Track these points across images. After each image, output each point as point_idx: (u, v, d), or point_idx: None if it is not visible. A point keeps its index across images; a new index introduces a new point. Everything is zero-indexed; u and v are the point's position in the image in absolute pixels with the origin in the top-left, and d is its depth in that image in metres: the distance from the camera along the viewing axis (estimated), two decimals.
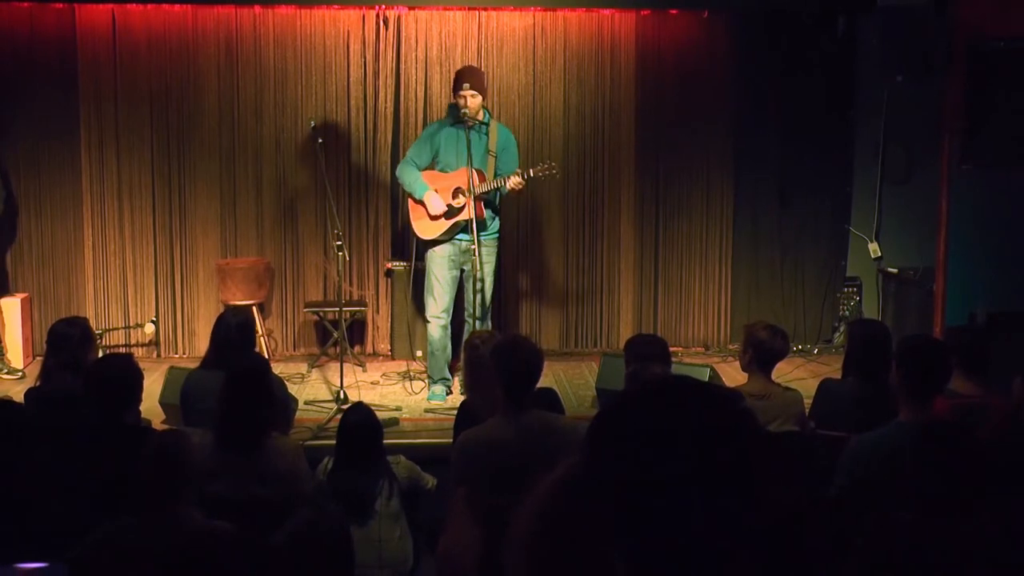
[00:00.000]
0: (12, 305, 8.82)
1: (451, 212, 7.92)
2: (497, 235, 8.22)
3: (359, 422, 5.32)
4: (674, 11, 9.65)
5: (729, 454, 1.64)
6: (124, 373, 5.18)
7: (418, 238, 8.27)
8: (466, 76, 7.95)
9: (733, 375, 7.85)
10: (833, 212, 9.89)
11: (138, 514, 3.74)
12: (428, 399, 8.16)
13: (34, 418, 5.33)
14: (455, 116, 7.92)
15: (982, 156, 8.16)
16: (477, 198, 7.77)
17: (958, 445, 3.74)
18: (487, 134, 8.01)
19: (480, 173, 7.84)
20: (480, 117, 7.98)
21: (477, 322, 7.79)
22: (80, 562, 3.54)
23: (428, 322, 8.21)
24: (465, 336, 7.71)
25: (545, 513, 2.50)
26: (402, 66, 9.56)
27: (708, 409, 1.69)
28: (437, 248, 8.09)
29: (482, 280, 7.79)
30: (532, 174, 7.81)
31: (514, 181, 7.75)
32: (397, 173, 8.34)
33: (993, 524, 3.54)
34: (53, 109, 9.14)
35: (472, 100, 7.81)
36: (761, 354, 5.62)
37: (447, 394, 8.10)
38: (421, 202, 7.97)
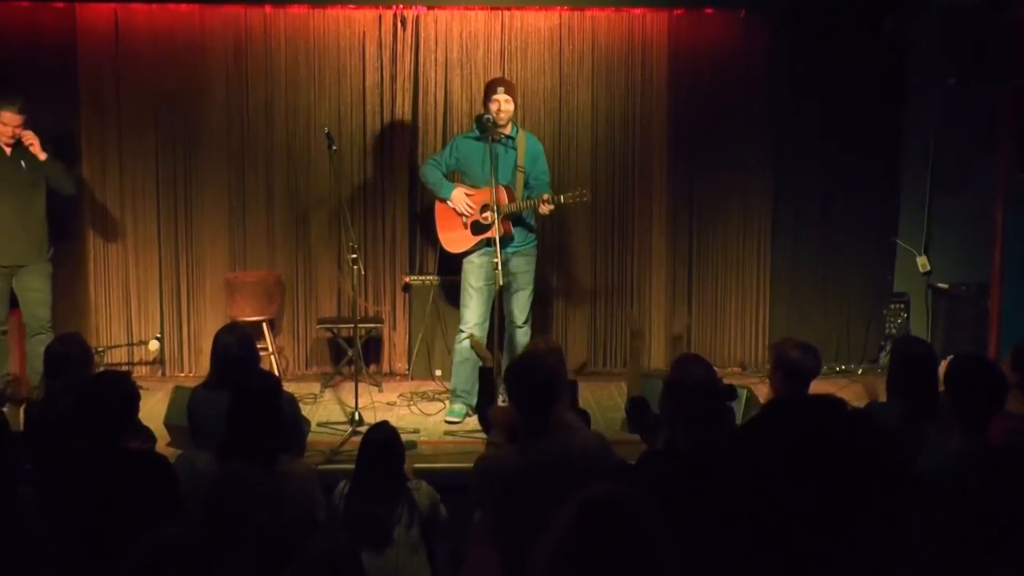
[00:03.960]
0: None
1: (479, 228, 8.19)
2: (535, 244, 8.45)
3: (382, 441, 5.32)
4: (709, 10, 9.68)
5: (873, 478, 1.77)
6: (115, 392, 5.18)
7: (444, 251, 8.60)
8: (500, 81, 8.27)
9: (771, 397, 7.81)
10: (879, 223, 9.88)
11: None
12: (447, 416, 8.27)
13: (29, 439, 5.37)
14: (481, 130, 8.08)
15: None
16: (505, 216, 8.00)
17: (1012, 471, 3.71)
18: (514, 148, 8.24)
19: (508, 190, 8.11)
20: (508, 130, 8.19)
21: (519, 332, 8.24)
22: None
23: (459, 332, 8.35)
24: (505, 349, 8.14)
25: (571, 535, 2.50)
26: (420, 69, 9.61)
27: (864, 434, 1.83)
28: (473, 257, 8.31)
29: (517, 292, 8.20)
30: (563, 200, 8.05)
31: (545, 208, 7.99)
32: (421, 173, 8.61)
33: None
34: (52, 113, 9.11)
35: (506, 105, 8.08)
36: (794, 373, 5.58)
37: (465, 415, 8.12)
38: (447, 201, 8.27)
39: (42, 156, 8.31)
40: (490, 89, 8.21)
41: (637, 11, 9.66)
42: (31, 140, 8.27)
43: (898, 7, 8.97)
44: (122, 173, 9.59)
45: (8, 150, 8.29)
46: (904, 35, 9.36)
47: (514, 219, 8.19)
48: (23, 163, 8.30)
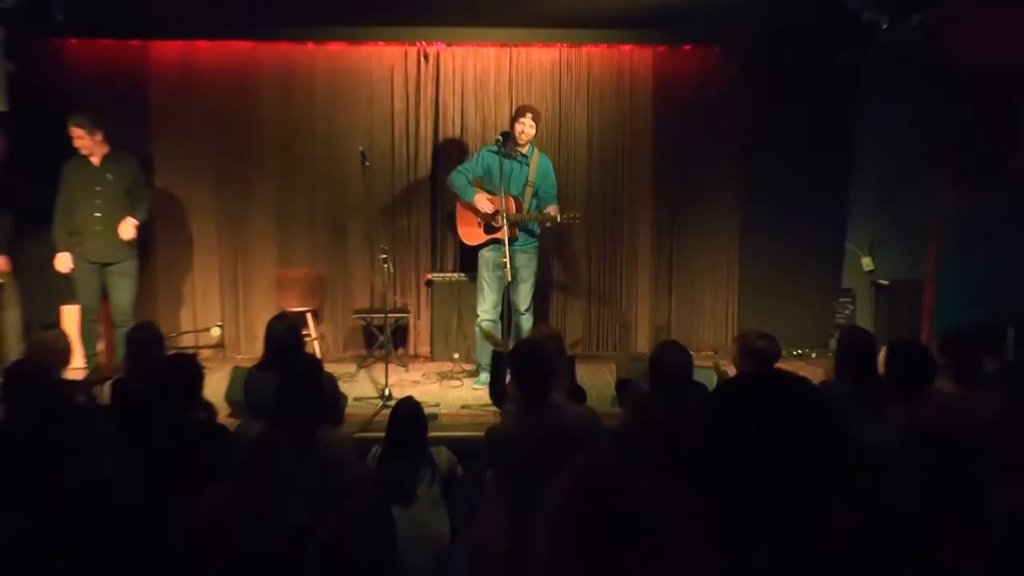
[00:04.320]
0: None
1: (490, 229, 8.34)
2: (536, 244, 8.48)
3: (408, 414, 5.35)
4: (687, 46, 9.67)
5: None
6: (183, 371, 5.21)
7: (462, 252, 8.98)
8: (529, 108, 8.34)
9: None
10: (831, 229, 9.85)
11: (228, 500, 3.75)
12: (474, 383, 8.48)
13: (114, 411, 5.41)
14: (500, 147, 8.10)
15: (969, 179, 8.12)
16: (512, 223, 8.08)
17: (942, 443, 3.74)
18: (527, 165, 8.33)
19: (517, 201, 8.25)
20: (524, 150, 8.30)
21: (522, 317, 8.35)
22: (186, 532, 3.53)
23: (477, 317, 8.49)
24: (512, 331, 8.26)
25: (573, 497, 2.54)
26: (441, 97, 9.62)
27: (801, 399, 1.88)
28: (485, 252, 8.43)
29: (520, 284, 8.28)
30: (560, 219, 8.21)
31: (553, 212, 8.21)
32: (449, 179, 8.58)
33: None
34: (127, 135, 9.07)
35: (529, 129, 8.21)
36: (760, 361, 5.58)
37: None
38: (471, 205, 8.33)
39: (132, 233, 8.35)
40: (519, 112, 8.29)
41: (626, 47, 9.67)
42: (129, 235, 8.31)
43: (849, 42, 8.95)
44: (188, 186, 9.63)
45: (95, 161, 8.29)
46: (855, 66, 9.34)
47: (519, 223, 8.26)
48: (109, 175, 8.30)
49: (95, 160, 8.27)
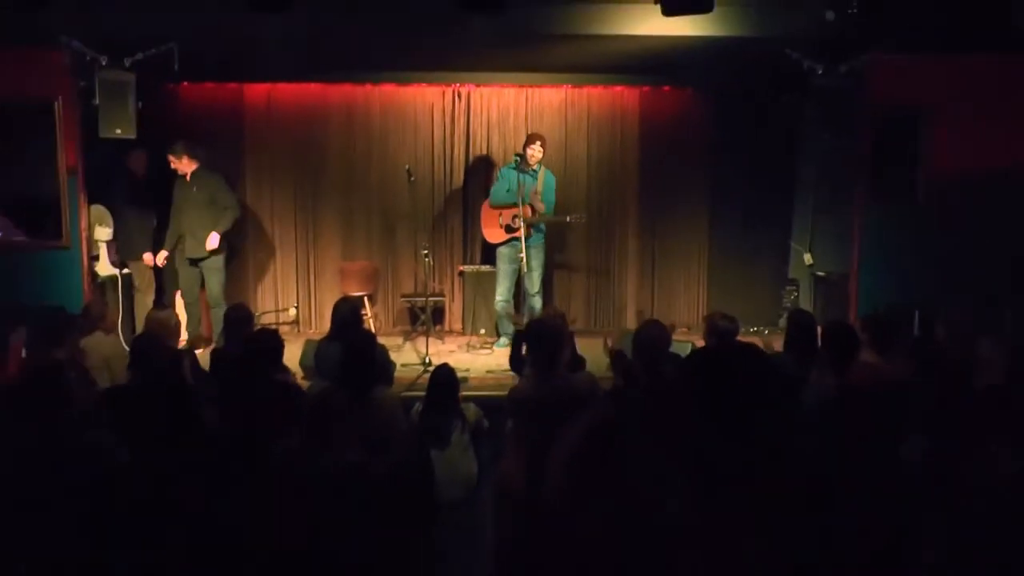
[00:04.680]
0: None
1: (509, 229, 8.34)
2: (543, 240, 8.51)
3: (444, 377, 5.37)
4: (667, 88, 9.64)
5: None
6: (268, 343, 5.24)
7: (486, 245, 8.91)
8: (538, 136, 8.39)
9: None
10: (780, 231, 9.81)
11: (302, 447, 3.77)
12: (495, 346, 8.59)
13: (214, 374, 5.46)
14: (517, 163, 8.14)
15: (884, 194, 8.12)
16: (527, 224, 8.12)
17: (864, 401, 3.76)
18: (536, 179, 8.33)
19: (531, 207, 8.23)
20: (534, 167, 8.32)
21: (533, 299, 8.34)
22: (267, 475, 3.55)
23: (496, 298, 8.52)
24: (526, 310, 8.37)
25: (583, 444, 2.55)
26: (470, 128, 9.61)
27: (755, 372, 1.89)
28: (502, 248, 8.44)
29: (532, 272, 8.25)
30: (568, 220, 8.33)
31: (538, 203, 8.28)
32: (490, 201, 8.58)
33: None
34: (226, 157, 9.22)
35: (537, 153, 8.27)
36: (723, 336, 5.59)
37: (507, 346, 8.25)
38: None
39: (215, 244, 8.32)
40: (531, 139, 8.31)
41: (618, 88, 9.64)
42: (212, 246, 8.32)
43: (792, 84, 8.91)
44: (272, 197, 9.66)
45: (188, 178, 8.34)
46: (797, 103, 9.30)
47: (533, 224, 8.30)
48: (195, 188, 8.34)
49: (187, 177, 8.36)
